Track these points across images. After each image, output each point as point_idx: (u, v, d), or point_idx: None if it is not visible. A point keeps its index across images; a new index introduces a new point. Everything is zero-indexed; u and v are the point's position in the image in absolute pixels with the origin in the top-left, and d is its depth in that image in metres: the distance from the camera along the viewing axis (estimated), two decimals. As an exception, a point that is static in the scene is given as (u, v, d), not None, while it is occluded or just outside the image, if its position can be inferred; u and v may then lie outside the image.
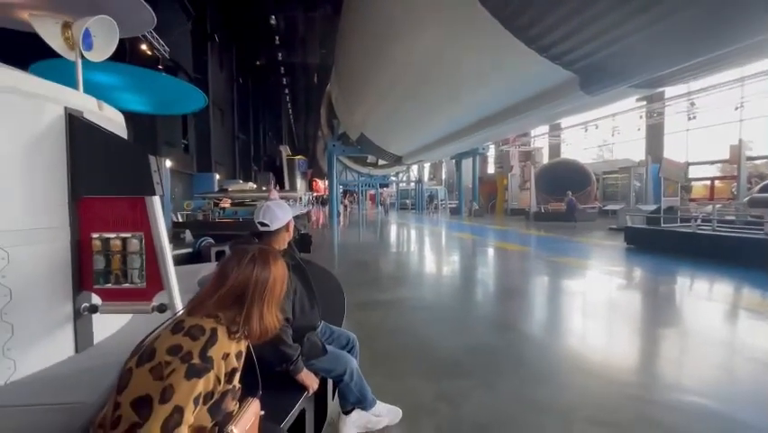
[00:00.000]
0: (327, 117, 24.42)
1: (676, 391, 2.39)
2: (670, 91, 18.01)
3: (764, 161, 16.96)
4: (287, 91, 41.85)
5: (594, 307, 4.43)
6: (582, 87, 6.23)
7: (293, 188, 31.96)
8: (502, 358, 2.89)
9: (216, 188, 18.89)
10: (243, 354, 1.03)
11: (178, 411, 0.81)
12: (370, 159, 26.76)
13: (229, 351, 0.94)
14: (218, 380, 0.90)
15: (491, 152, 28.69)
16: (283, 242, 1.74)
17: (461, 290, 5.44)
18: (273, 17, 24.92)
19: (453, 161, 25.78)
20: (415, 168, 30.84)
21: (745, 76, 15.39)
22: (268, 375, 1.56)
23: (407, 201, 32.87)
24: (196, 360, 0.86)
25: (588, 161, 23.23)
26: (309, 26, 26.46)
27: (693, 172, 18.28)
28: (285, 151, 35.40)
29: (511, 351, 3.04)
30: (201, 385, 0.84)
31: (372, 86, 12.43)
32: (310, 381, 1.57)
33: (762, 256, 6.09)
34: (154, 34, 13.37)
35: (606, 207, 18.26)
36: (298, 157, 37.93)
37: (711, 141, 17.89)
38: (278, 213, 1.68)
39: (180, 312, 1.01)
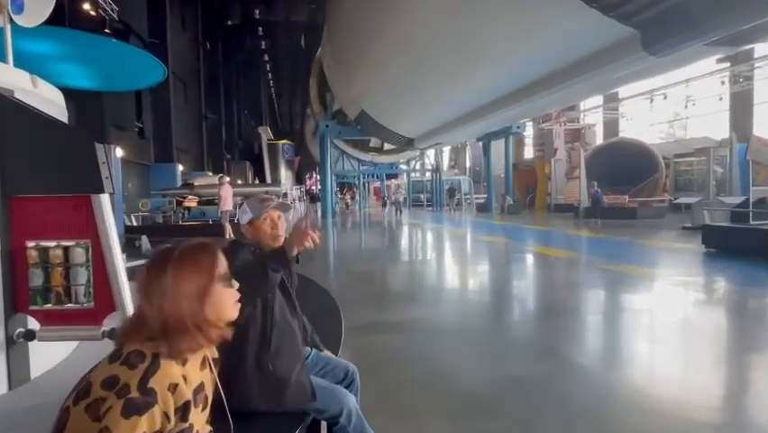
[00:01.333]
0: (318, 90, 24.51)
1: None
2: (760, 49, 17.76)
3: None
4: (266, 58, 42.10)
5: (662, 331, 4.41)
6: (645, 45, 6.19)
7: (276, 180, 32.22)
8: (540, 394, 2.91)
9: (179, 183, 19.12)
10: (205, 382, 1.05)
11: None
12: (374, 142, 26.84)
13: (177, 380, 0.95)
14: (167, 417, 0.91)
15: (529, 132, 28.59)
16: (264, 244, 1.80)
17: (497, 311, 5.47)
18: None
19: (480, 143, 25.73)
20: (430, 153, 30.84)
21: None
22: (251, 415, 1.60)
23: (422, 196, 32.73)
24: (134, 393, 0.87)
25: (654, 141, 23.05)
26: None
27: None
28: (265, 133, 35.70)
29: (551, 385, 3.05)
30: (144, 424, 0.86)
31: (375, 48, 12.45)
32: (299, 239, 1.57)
33: None
34: (99, -10, 13.55)
35: (678, 201, 18.11)
36: (282, 141, 38.28)
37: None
38: (239, 216, 1.81)
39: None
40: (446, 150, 36.16)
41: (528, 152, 31.11)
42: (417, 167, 34.30)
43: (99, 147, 2.02)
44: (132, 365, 0.90)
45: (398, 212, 24.53)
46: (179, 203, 15.63)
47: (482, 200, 26.69)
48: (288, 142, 41.33)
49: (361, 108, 17.68)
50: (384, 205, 31.30)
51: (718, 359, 3.63)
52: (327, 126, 22.07)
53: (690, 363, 3.57)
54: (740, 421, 2.60)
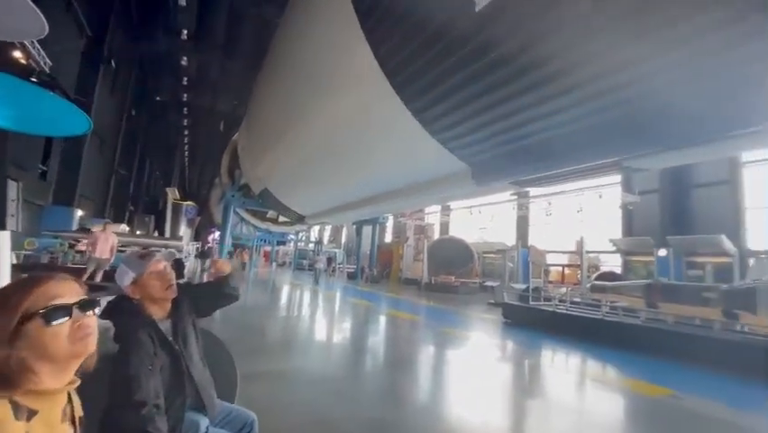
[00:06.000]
0: (229, 166, 23.21)
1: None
2: (533, 192, 22.07)
3: (595, 255, 21.37)
4: (186, 132, 39.24)
5: (477, 375, 4.69)
6: (473, 177, 7.21)
7: (174, 235, 28.61)
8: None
9: (76, 227, 15.84)
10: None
11: None
12: (270, 214, 25.81)
13: None
14: None
15: (390, 223, 30.44)
16: (156, 299, 1.47)
17: (358, 359, 5.27)
18: (185, 58, 24.03)
19: (355, 226, 26.46)
20: (316, 228, 30.67)
21: (582, 188, 19.84)
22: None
23: (304, 262, 32.00)
24: None
25: (472, 240, 26.19)
26: (223, 75, 26.11)
27: (549, 259, 21.96)
28: (172, 193, 32.10)
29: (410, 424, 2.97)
30: None
31: (282, 144, 12.39)
32: None
33: (600, 333, 7.39)
34: (35, 43, 11.61)
35: (486, 283, 20.42)
36: (187, 203, 34.67)
37: (563, 234, 22.00)
38: (117, 278, 1.48)
39: None
40: (329, 228, 36.39)
41: (388, 237, 32.81)
42: (303, 238, 33.65)
43: (12, 184, 1.59)
44: None
45: (316, 282, 18.48)
46: (72, 246, 12.79)
47: (352, 270, 26.85)
48: (192, 204, 37.60)
49: (265, 186, 17.12)
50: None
51: (508, 395, 3.97)
52: (233, 196, 20.72)
53: (493, 398, 3.82)
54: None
